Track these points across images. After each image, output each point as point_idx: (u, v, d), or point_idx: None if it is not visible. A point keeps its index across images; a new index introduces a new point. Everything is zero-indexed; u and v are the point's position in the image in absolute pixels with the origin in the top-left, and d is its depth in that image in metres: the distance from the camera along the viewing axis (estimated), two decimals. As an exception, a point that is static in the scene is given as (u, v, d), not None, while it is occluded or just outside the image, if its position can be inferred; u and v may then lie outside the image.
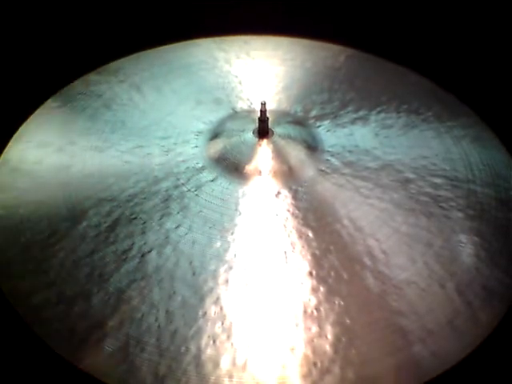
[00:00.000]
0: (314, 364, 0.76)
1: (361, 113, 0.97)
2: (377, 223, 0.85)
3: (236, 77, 1.03)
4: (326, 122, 0.95)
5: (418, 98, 1.01)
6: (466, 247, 0.85)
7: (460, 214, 0.87)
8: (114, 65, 1.05)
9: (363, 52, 1.07)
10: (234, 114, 0.96)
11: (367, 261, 0.82)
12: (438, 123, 0.97)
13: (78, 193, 0.88)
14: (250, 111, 0.95)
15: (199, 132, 0.94)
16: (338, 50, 1.08)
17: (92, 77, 1.03)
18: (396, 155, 0.92)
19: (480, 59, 1.18)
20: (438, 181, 0.90)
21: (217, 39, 1.09)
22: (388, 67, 1.06)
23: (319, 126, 0.95)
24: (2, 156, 0.93)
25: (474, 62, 1.18)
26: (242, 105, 0.98)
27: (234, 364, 0.76)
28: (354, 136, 0.94)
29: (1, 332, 0.86)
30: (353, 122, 0.96)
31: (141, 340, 0.77)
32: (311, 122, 0.95)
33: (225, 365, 0.76)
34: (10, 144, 0.94)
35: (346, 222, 0.85)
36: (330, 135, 0.94)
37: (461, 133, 0.96)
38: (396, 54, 1.06)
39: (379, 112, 0.98)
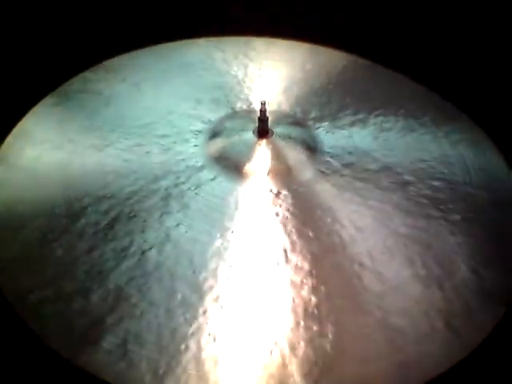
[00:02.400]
0: (315, 363, 0.76)
1: (359, 116, 0.97)
2: (376, 224, 0.86)
3: (235, 78, 1.02)
4: (325, 124, 0.96)
5: (415, 103, 1.01)
6: (463, 249, 0.86)
7: (457, 217, 0.88)
8: (112, 62, 1.04)
9: (362, 58, 1.08)
10: (234, 114, 0.96)
11: (367, 261, 0.82)
12: (435, 128, 0.98)
13: (76, 190, 0.87)
14: (250, 111, 0.95)
15: (198, 131, 0.94)
16: (337, 55, 1.08)
17: (90, 74, 1.02)
18: (395, 158, 0.93)
19: (475, 65, 1.19)
20: (436, 183, 0.91)
21: (215, 39, 1.09)
22: (386, 74, 1.06)
23: (318, 128, 0.95)
24: (0, 153, 0.92)
25: (469, 68, 1.19)
26: (241, 105, 0.98)
27: (234, 362, 0.75)
28: (353, 138, 0.94)
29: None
30: (351, 124, 0.96)
31: (140, 337, 0.76)
32: (310, 123, 0.96)
33: (225, 363, 0.75)
34: (7, 141, 0.93)
35: (345, 222, 0.85)
36: (329, 137, 0.94)
37: (457, 137, 0.97)
38: (394, 60, 1.07)
39: (377, 115, 0.98)
